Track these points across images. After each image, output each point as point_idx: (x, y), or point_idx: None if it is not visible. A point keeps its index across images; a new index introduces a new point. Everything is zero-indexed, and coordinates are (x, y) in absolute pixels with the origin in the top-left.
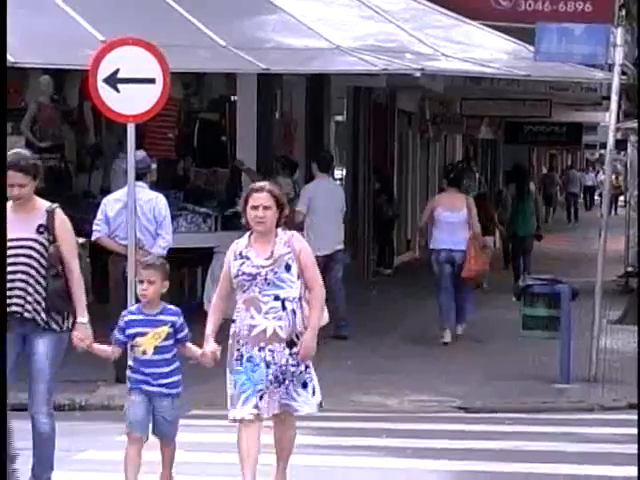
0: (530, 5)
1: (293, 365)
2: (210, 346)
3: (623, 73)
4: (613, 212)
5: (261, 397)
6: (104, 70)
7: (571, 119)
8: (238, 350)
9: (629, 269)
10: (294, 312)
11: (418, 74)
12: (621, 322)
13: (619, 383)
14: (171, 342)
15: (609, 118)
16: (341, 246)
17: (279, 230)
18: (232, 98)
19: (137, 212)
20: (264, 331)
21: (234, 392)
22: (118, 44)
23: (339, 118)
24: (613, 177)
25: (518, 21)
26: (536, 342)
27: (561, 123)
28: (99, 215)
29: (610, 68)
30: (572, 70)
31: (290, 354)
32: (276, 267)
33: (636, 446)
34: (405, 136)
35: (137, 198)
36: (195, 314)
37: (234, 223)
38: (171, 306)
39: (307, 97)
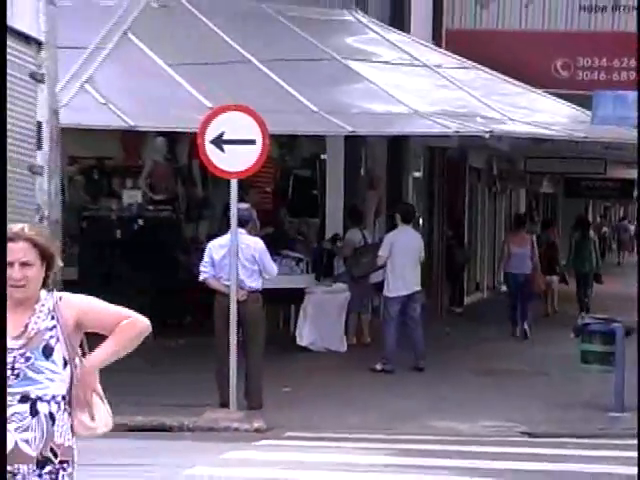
0: (587, 75)
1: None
2: None
3: None
4: None
5: None
6: (211, 132)
7: (624, 175)
8: None
9: None
10: (52, 417)
11: (487, 136)
12: None
13: None
14: None
15: None
16: (418, 287)
17: (42, 292)
18: (322, 156)
19: (239, 255)
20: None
21: None
22: (223, 110)
23: (416, 174)
24: None
25: (576, 88)
26: (593, 374)
27: (615, 179)
28: (206, 258)
29: None
30: (625, 132)
31: (40, 475)
32: (29, 350)
33: None
34: (475, 189)
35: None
36: (288, 348)
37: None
38: None
39: (388, 155)
